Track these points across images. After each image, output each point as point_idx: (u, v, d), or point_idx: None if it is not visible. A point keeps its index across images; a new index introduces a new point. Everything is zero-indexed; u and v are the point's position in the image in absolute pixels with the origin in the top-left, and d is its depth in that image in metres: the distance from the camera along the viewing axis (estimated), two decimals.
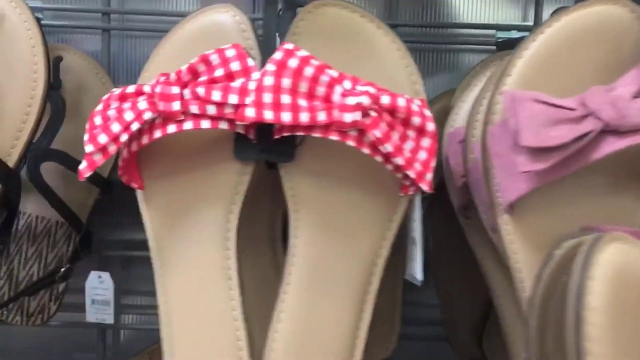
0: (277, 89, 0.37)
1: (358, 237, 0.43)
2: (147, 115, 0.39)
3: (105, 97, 0.41)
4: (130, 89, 0.40)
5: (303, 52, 0.39)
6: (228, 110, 0.38)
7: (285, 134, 0.40)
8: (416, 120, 0.39)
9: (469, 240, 0.52)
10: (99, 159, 0.39)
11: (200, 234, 0.42)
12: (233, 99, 0.38)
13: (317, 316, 0.42)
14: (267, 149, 0.40)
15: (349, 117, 0.37)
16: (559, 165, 0.35)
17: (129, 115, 0.39)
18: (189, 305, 0.42)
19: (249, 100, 0.38)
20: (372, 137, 0.38)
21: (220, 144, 0.42)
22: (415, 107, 0.39)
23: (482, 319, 0.67)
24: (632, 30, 0.39)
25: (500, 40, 0.69)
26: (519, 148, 0.35)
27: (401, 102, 0.39)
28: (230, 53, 0.39)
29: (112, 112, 0.40)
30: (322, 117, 0.38)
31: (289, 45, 0.39)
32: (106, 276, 0.67)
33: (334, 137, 0.38)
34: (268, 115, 0.37)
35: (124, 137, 0.39)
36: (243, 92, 0.38)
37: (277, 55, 0.39)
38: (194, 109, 0.39)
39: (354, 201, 0.42)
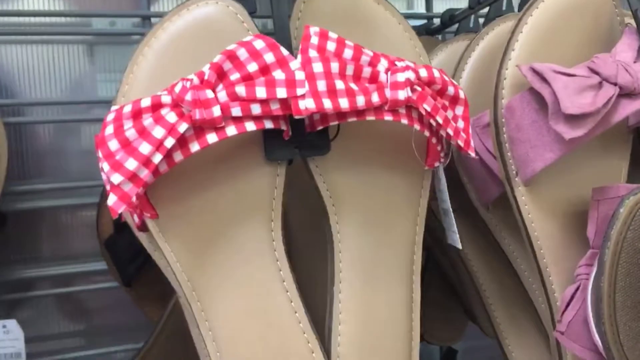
0: (328, 75, 0.34)
1: (396, 220, 0.41)
2: (183, 128, 0.33)
3: (110, 117, 0.34)
4: (145, 102, 0.33)
5: (333, 34, 0.36)
6: (275, 107, 0.34)
7: (321, 126, 0.37)
8: (451, 89, 0.38)
9: (438, 217, 0.52)
10: (130, 188, 0.32)
11: (244, 253, 0.37)
12: (281, 92, 0.33)
13: (375, 308, 0.39)
14: (302, 145, 0.37)
15: (402, 95, 0.35)
16: (590, 131, 0.37)
17: (158, 132, 0.32)
18: (247, 330, 0.37)
19: (302, 91, 0.33)
20: (423, 112, 0.36)
21: (244, 148, 0.37)
22: (446, 77, 0.38)
23: None
24: (605, 2, 0.42)
25: None
26: (557, 117, 0.36)
27: (436, 73, 0.38)
28: (259, 44, 0.34)
29: (131, 133, 0.33)
30: (375, 98, 0.35)
31: (315, 29, 0.36)
32: (12, 324, 0.57)
33: (388, 117, 0.36)
34: (327, 104, 0.33)
35: (158, 158, 0.32)
36: (291, 83, 0.34)
37: (314, 40, 0.35)
38: (236, 111, 0.33)
39: (385, 185, 0.40)
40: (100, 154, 0.33)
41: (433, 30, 0.68)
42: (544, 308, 0.43)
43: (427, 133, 0.38)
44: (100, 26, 0.65)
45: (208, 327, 0.37)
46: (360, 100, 0.34)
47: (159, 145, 0.32)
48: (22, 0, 0.64)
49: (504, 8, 0.59)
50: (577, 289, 0.39)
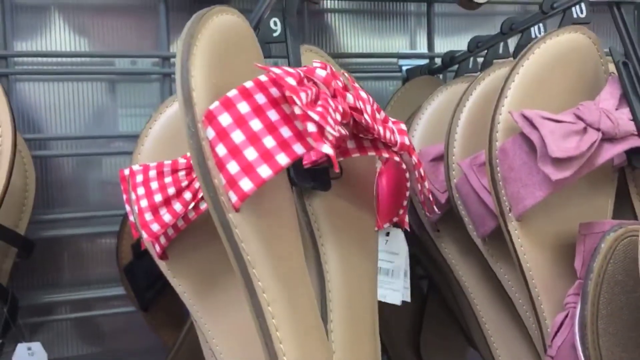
0: (373, 109, 0.38)
1: (366, 249, 0.45)
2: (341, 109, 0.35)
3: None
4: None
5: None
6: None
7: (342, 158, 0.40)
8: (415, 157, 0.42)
9: (440, 250, 0.56)
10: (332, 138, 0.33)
11: (299, 284, 0.39)
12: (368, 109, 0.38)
13: (358, 318, 0.43)
14: (317, 178, 0.40)
15: (407, 140, 0.40)
16: (575, 172, 0.40)
17: (333, 103, 0.34)
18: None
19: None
20: (413, 162, 0.40)
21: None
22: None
23: (417, 325, 0.72)
24: (591, 52, 0.47)
25: (407, 68, 0.75)
26: (544, 160, 0.40)
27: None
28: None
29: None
30: (392, 138, 0.39)
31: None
32: (37, 347, 0.60)
33: (396, 158, 0.40)
34: (388, 134, 0.38)
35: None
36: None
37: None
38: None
39: (357, 222, 0.44)
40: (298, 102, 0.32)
41: (435, 70, 0.72)
42: (537, 334, 0.46)
43: (408, 184, 0.42)
44: (122, 65, 0.69)
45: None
46: (388, 134, 0.38)
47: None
48: (50, 42, 0.68)
49: (500, 51, 0.63)
50: (566, 316, 0.42)
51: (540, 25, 0.59)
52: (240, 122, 0.32)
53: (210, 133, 0.32)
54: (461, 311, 0.62)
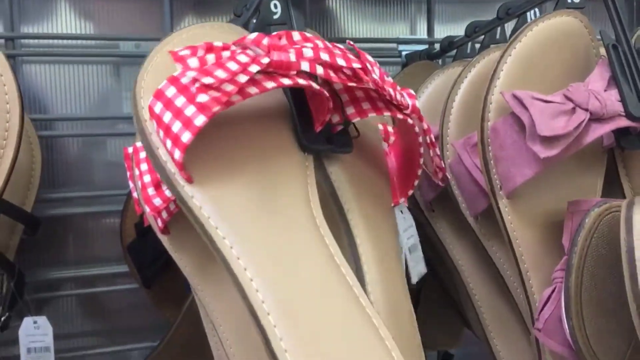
0: (381, 72, 0.39)
1: (389, 221, 0.44)
2: (265, 60, 0.34)
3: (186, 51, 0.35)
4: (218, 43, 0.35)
5: None
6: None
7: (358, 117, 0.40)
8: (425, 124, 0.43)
9: (435, 229, 0.58)
10: (231, 89, 0.33)
11: (296, 236, 0.36)
12: (356, 64, 0.37)
13: (394, 290, 0.42)
14: (331, 140, 0.39)
15: (418, 104, 0.40)
16: (563, 150, 0.42)
17: (243, 58, 0.34)
18: (310, 312, 0.35)
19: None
20: (424, 126, 0.41)
21: (276, 135, 0.38)
22: None
23: (414, 307, 0.74)
24: (583, 35, 0.48)
25: (406, 53, 0.76)
26: (533, 138, 0.41)
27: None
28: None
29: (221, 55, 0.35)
30: (404, 101, 0.40)
31: None
32: (42, 320, 0.62)
33: (410, 121, 0.40)
34: (398, 97, 0.39)
35: (244, 78, 0.33)
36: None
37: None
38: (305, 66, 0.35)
39: (377, 192, 0.44)
40: (188, 59, 0.34)
41: (434, 55, 0.74)
42: (526, 308, 0.48)
43: (422, 149, 0.43)
44: (126, 48, 0.70)
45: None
46: (398, 97, 0.39)
47: (244, 68, 0.34)
48: (56, 25, 0.69)
49: (497, 36, 0.64)
50: (553, 290, 0.44)
51: (537, 9, 0.60)
52: (168, 104, 0.34)
53: (154, 124, 0.35)
54: (456, 289, 0.64)
